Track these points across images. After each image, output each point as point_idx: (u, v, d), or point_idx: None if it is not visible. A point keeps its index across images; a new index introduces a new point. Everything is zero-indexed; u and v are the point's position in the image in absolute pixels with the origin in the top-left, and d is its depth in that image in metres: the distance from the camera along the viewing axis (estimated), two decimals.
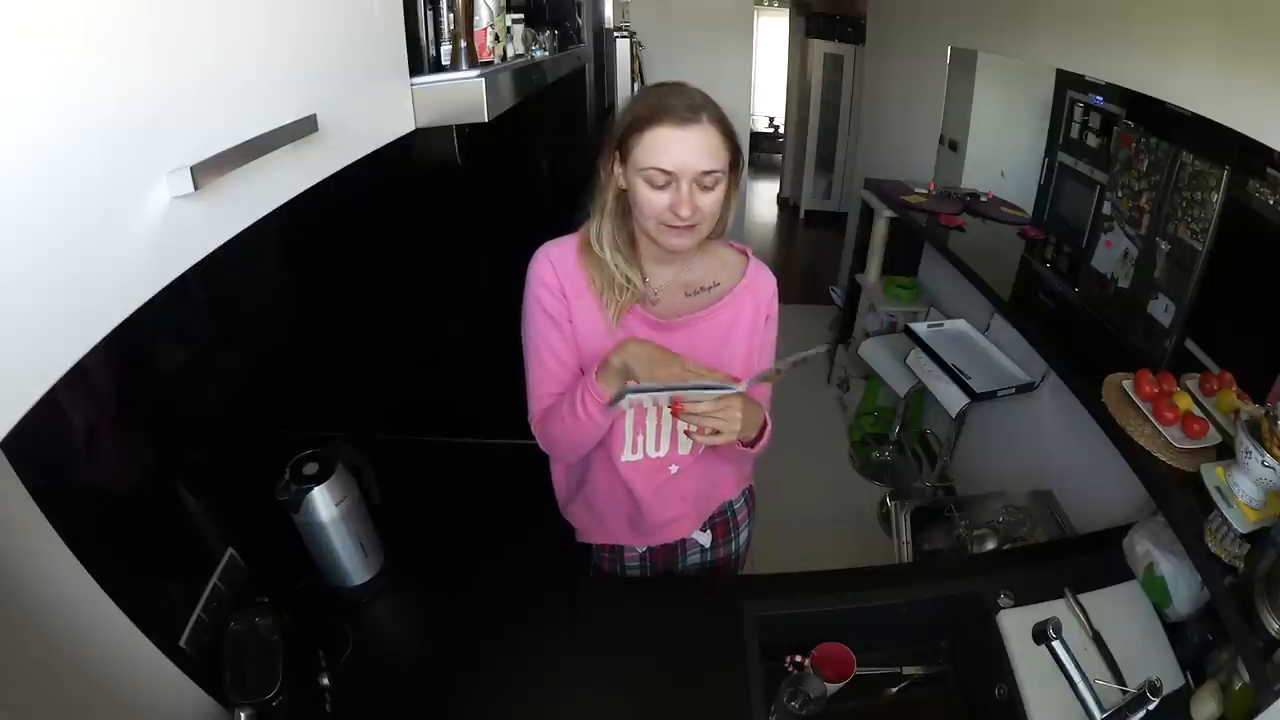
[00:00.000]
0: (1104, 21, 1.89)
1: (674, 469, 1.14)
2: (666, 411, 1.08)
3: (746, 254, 1.10)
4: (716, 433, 0.91)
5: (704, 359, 0.98)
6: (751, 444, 1.03)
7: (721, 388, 0.89)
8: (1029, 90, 2.49)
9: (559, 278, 1.01)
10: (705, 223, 0.94)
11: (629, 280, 1.00)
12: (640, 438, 1.10)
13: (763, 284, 1.09)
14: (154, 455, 0.98)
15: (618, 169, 0.95)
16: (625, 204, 0.98)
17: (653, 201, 0.91)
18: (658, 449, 1.12)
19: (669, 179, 0.89)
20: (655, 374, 0.91)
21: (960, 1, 2.82)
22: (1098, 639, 1.17)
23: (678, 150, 0.88)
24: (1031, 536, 1.85)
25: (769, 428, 1.06)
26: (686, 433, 0.95)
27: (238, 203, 0.59)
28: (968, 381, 2.14)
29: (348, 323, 1.53)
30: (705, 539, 1.27)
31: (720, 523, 1.29)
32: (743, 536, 1.33)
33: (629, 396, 0.88)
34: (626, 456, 1.11)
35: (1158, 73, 1.67)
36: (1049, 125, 2.35)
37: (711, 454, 1.14)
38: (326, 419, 1.39)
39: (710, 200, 0.92)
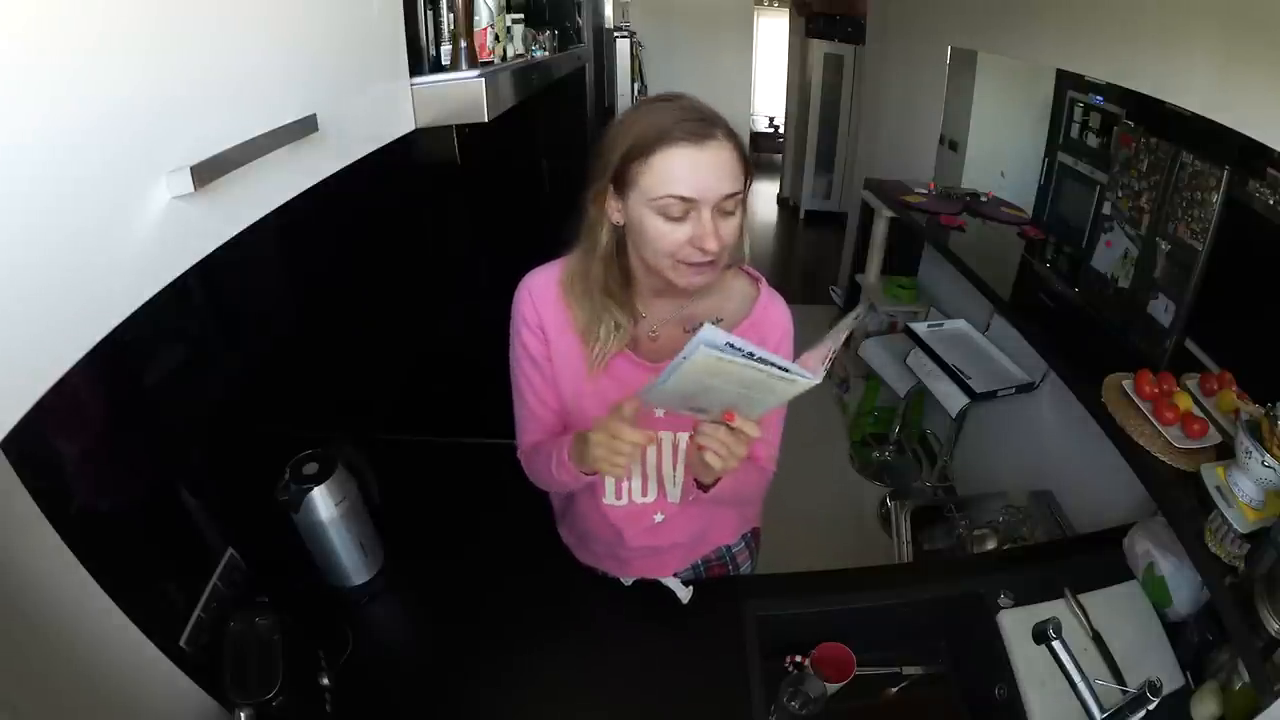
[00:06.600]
0: (1105, 22, 1.89)
1: (659, 517, 1.06)
2: (651, 456, 1.00)
3: (759, 283, 0.97)
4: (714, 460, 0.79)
5: None
6: (706, 487, 0.91)
7: (793, 372, 0.69)
8: (1029, 90, 2.49)
9: (539, 314, 0.93)
10: (726, 253, 0.82)
11: (618, 326, 0.89)
12: (625, 484, 1.02)
13: (774, 320, 0.96)
14: (154, 455, 0.98)
15: (612, 203, 0.83)
16: (620, 242, 0.87)
17: (669, 236, 0.79)
18: (644, 494, 1.04)
19: (689, 207, 0.77)
20: (621, 434, 0.77)
21: (960, 1, 2.82)
22: (1098, 639, 1.17)
23: (698, 173, 0.76)
24: (1031, 536, 1.85)
25: (732, 483, 0.91)
26: (690, 458, 0.86)
27: (238, 203, 0.59)
28: (968, 381, 2.14)
29: (348, 322, 1.53)
30: (685, 594, 1.17)
31: (717, 566, 1.24)
32: None
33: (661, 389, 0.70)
34: (609, 500, 1.04)
35: (1158, 73, 1.67)
36: (1049, 125, 2.35)
37: (702, 500, 1.01)
38: (326, 419, 1.39)
39: (732, 228, 0.81)
